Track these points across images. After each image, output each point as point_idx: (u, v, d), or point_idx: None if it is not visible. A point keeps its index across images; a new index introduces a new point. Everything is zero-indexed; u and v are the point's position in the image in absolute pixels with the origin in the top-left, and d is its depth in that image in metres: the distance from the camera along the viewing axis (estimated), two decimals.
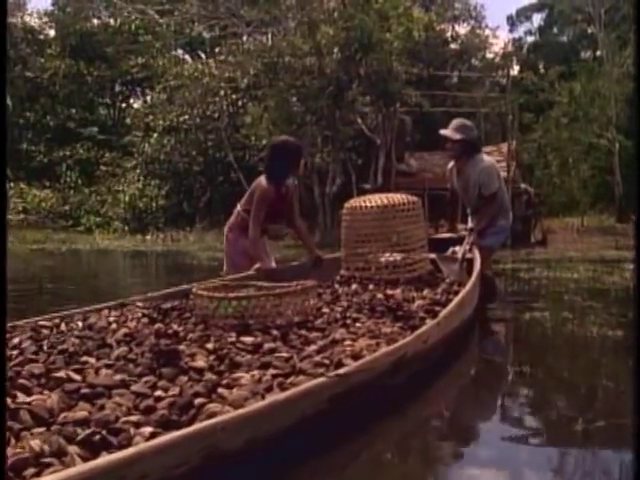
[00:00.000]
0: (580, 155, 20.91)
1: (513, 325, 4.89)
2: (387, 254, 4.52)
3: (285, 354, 2.57)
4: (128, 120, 26.72)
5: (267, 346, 2.69)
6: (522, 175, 18.35)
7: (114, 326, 3.12)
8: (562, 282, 7.27)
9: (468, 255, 5.09)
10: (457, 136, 5.41)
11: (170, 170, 21.90)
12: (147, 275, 10.36)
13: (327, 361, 2.45)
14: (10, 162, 23.15)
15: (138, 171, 22.81)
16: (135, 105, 29.29)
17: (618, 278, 7.43)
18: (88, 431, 1.77)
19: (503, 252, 12.91)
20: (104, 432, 1.78)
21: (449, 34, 26.95)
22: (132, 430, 1.83)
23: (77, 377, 2.26)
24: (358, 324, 3.16)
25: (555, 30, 32.84)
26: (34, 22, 29.18)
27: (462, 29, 28.04)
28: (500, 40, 31.78)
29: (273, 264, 4.96)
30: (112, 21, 27.38)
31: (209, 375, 2.35)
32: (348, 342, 2.76)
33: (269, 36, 19.71)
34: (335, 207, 15.29)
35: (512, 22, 34.51)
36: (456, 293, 3.93)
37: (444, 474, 2.23)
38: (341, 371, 2.28)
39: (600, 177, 21.15)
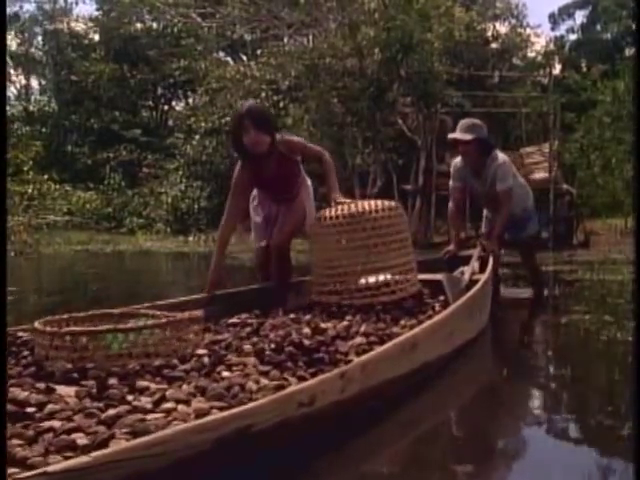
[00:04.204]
0: (624, 155, 20.60)
1: (553, 328, 4.85)
2: (364, 275, 3.80)
3: (54, 423, 1.91)
4: (170, 122, 27.08)
5: (50, 408, 2.05)
6: (564, 176, 18.17)
7: None
8: (605, 284, 7.19)
9: (477, 276, 4.46)
10: (468, 137, 5.20)
11: (212, 172, 22.06)
12: (189, 276, 10.49)
13: (87, 441, 1.78)
14: (55, 164, 23.60)
15: (180, 173, 23.03)
16: (177, 107, 29.62)
17: None
18: None
19: (544, 253, 12.83)
20: None
21: (490, 33, 26.76)
22: None
23: None
24: (226, 373, 2.49)
25: (598, 27, 32.39)
26: (79, 27, 29.67)
27: (503, 28, 27.82)
28: (542, 39, 31.53)
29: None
30: (155, 25, 27.71)
31: None
32: (170, 405, 2.10)
33: (310, 38, 19.77)
34: None
35: (554, 20, 34.11)
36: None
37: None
38: (51, 468, 1.51)
39: None
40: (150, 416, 2.00)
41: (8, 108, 29.24)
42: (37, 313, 5.15)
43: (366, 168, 17.62)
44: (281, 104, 20.28)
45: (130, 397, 2.19)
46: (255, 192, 4.48)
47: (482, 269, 4.73)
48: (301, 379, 2.41)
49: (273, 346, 2.76)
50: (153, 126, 28.40)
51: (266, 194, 4.31)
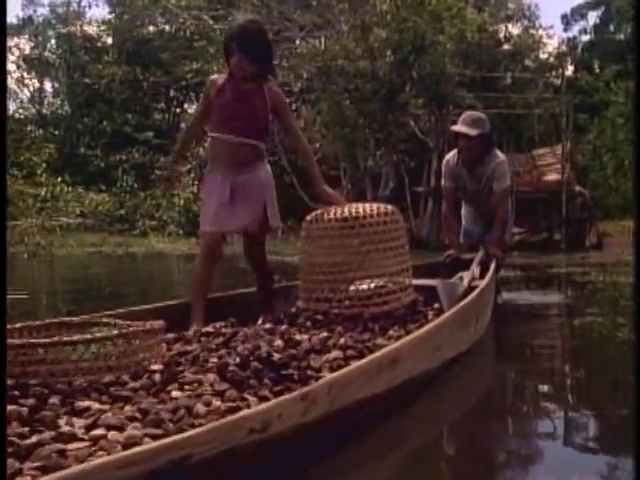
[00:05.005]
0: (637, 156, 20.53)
1: (565, 330, 4.82)
2: (356, 283, 3.51)
3: None
4: (182, 124, 27.10)
5: None
6: (576, 177, 18.11)
7: None
8: (618, 287, 7.15)
9: (476, 282, 4.16)
10: (474, 132, 4.82)
11: None
12: None
13: None
14: (68, 167, 23.73)
15: (192, 175, 23.08)
16: (189, 110, 29.67)
17: None
18: None
19: (557, 256, 12.80)
20: None
21: (502, 35, 26.72)
22: None
23: None
24: (177, 392, 2.22)
25: (611, 28, 32.28)
26: (92, 30, 29.82)
27: (515, 29, 27.76)
28: (554, 40, 31.41)
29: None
30: (167, 27, 27.81)
31: None
32: (100, 431, 1.84)
33: (322, 40, 19.79)
34: None
35: (566, 21, 34.03)
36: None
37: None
38: None
39: None
40: (73, 445, 1.73)
41: (21, 111, 29.50)
42: (49, 314, 5.19)
43: (378, 170, 17.64)
44: (293, 106, 20.33)
45: (63, 420, 1.93)
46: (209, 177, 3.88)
47: (483, 274, 4.41)
48: (263, 399, 2.14)
49: (238, 361, 2.47)
50: (165, 128, 28.47)
51: (225, 123, 3.69)
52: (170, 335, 3.06)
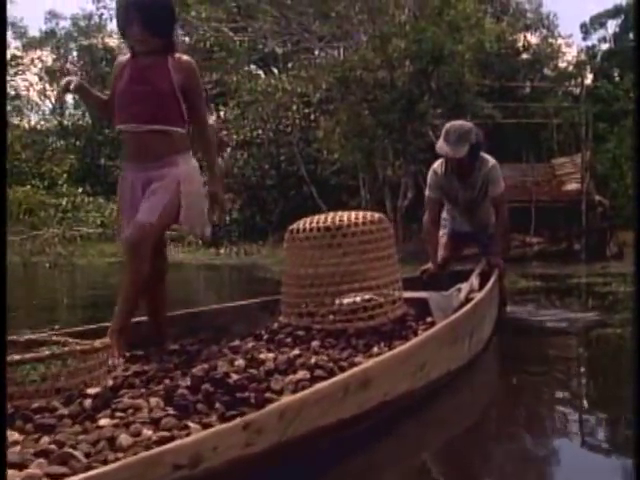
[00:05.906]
0: None
1: (583, 341, 4.78)
2: (340, 296, 3.30)
3: None
4: None
5: None
6: (596, 186, 17.99)
7: None
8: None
9: (474, 294, 3.92)
10: (462, 153, 4.49)
11: (243, 184, 22.21)
12: (222, 287, 10.58)
13: None
14: (89, 177, 23.92)
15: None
16: (210, 121, 29.84)
17: None
18: None
19: (577, 266, 12.72)
20: None
21: (521, 44, 26.68)
22: None
23: None
24: (105, 420, 1.98)
25: (631, 36, 32.12)
26: (113, 42, 30.12)
27: (534, 38, 27.70)
28: (573, 49, 31.30)
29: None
30: (187, 39, 27.99)
31: None
32: None
33: (341, 50, 19.83)
34: (408, 221, 15.45)
35: (585, 30, 33.89)
36: None
37: None
38: None
39: None
40: None
41: (43, 122, 29.76)
42: (64, 322, 5.24)
43: (397, 180, 17.63)
44: (312, 117, 20.40)
45: None
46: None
47: (484, 286, 4.13)
48: (208, 427, 1.87)
49: (189, 383, 2.26)
50: None
51: (125, 109, 3.08)
52: (136, 352, 2.99)
